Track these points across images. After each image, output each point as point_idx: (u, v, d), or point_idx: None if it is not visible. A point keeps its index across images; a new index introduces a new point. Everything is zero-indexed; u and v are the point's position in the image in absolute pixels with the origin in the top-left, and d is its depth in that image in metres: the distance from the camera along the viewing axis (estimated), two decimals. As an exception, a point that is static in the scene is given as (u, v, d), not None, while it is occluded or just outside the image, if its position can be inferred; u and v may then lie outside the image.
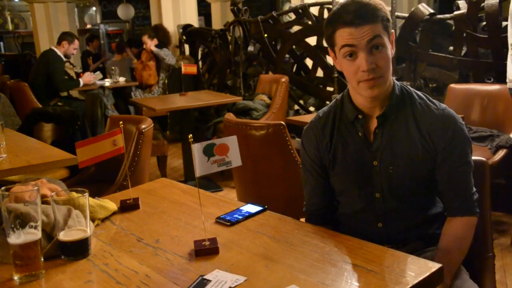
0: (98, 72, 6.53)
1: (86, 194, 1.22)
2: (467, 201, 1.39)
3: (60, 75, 5.50)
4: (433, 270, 1.06)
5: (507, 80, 2.87)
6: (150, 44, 6.34)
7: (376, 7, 1.32)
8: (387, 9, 1.36)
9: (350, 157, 1.44)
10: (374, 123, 1.42)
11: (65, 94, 5.79)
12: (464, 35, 3.69)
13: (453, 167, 1.38)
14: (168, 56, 6.28)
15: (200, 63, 6.95)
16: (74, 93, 6.31)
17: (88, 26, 14.44)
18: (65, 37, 5.65)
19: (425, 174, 1.40)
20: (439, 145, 1.38)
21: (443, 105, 1.42)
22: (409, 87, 1.47)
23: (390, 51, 1.36)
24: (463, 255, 1.38)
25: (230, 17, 6.67)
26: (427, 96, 1.45)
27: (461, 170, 1.38)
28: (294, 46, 5.20)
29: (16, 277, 1.12)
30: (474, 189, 1.41)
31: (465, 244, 1.38)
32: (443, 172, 1.39)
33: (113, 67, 6.64)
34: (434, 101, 1.43)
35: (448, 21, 3.89)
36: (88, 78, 5.95)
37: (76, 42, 5.69)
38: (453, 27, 3.82)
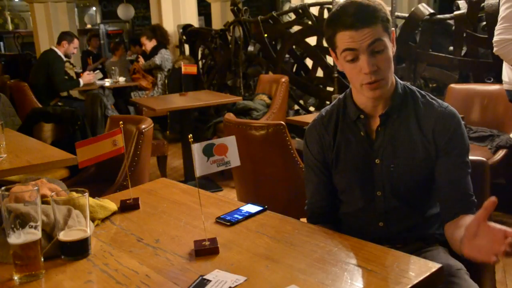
0: (97, 71, 6.52)
1: (86, 194, 1.22)
2: (466, 201, 1.38)
3: (60, 75, 5.50)
4: (433, 270, 1.06)
5: (503, 82, 2.88)
6: (149, 45, 6.33)
7: (376, 8, 1.32)
8: (387, 9, 1.37)
9: (352, 155, 1.45)
10: (376, 122, 1.43)
11: (65, 94, 5.79)
12: (464, 35, 3.69)
13: (452, 165, 1.37)
14: (163, 59, 6.22)
15: (200, 63, 6.95)
16: (74, 93, 6.30)
17: (88, 26, 14.44)
18: (64, 36, 5.65)
19: (425, 173, 1.40)
20: (440, 142, 1.38)
21: (446, 104, 1.43)
22: (411, 86, 1.47)
23: (391, 50, 1.37)
24: None
25: (230, 17, 6.66)
26: (430, 95, 1.45)
27: (460, 168, 1.38)
28: (294, 46, 5.19)
29: (16, 277, 1.12)
30: (473, 195, 1.39)
31: None
32: (442, 169, 1.38)
33: (113, 67, 6.64)
34: (437, 99, 1.44)
35: (448, 21, 3.89)
36: (88, 77, 5.95)
37: (76, 41, 5.68)
38: (453, 27, 3.82)
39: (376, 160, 1.42)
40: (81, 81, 5.84)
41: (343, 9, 1.33)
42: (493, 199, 1.12)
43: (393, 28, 1.39)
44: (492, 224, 1.11)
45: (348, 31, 1.31)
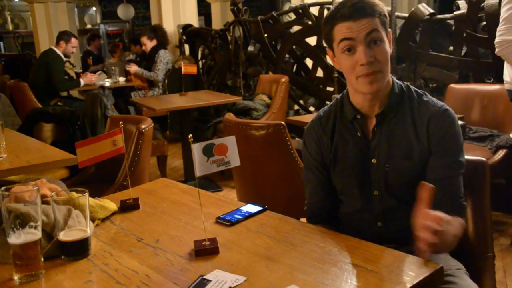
0: (100, 72, 6.52)
1: (86, 194, 1.22)
2: (453, 202, 1.35)
3: (59, 75, 5.50)
4: (433, 270, 1.06)
5: (505, 82, 2.88)
6: (150, 45, 6.33)
7: (374, 2, 1.34)
8: (385, 7, 1.37)
9: (350, 155, 1.45)
10: (373, 122, 1.44)
11: (65, 94, 5.80)
12: (464, 35, 3.69)
13: (443, 164, 1.36)
14: (166, 69, 6.22)
15: (200, 63, 6.95)
16: (74, 93, 6.31)
17: (88, 26, 14.44)
18: (62, 36, 5.66)
19: (420, 173, 1.40)
20: (433, 140, 1.37)
21: (441, 103, 1.42)
22: (410, 85, 1.47)
23: (389, 47, 1.37)
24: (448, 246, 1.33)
25: (230, 17, 6.66)
26: (427, 93, 1.45)
27: (451, 168, 1.36)
28: (294, 46, 5.20)
29: (16, 277, 1.12)
30: (463, 198, 1.38)
31: (454, 238, 1.31)
32: (433, 167, 1.37)
33: (113, 67, 6.64)
34: (433, 98, 1.44)
35: (448, 21, 3.89)
36: (89, 78, 5.95)
37: (73, 40, 5.68)
38: (453, 27, 3.82)
39: (373, 160, 1.43)
40: (82, 81, 5.85)
41: (341, 4, 1.36)
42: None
43: (390, 30, 1.40)
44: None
45: (346, 22, 1.33)
